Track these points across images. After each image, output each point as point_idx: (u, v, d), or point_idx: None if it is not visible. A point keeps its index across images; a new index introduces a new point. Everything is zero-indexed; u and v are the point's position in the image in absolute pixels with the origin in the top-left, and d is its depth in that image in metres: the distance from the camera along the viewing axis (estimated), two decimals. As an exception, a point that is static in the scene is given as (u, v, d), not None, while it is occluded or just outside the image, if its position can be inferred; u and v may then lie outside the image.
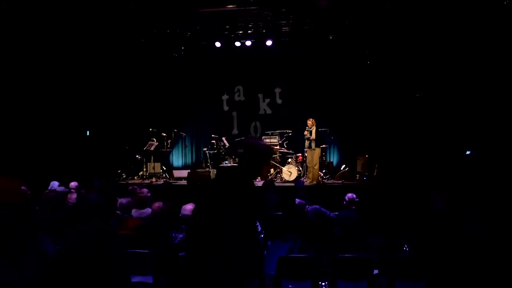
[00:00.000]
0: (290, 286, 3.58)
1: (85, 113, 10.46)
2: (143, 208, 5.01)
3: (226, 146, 11.24)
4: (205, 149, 11.37)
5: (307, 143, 9.39)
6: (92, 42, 9.74)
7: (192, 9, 9.62)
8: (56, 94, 9.45)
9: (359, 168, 10.60)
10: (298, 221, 4.44)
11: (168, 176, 10.86)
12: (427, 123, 9.44)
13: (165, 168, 11.34)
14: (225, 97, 12.76)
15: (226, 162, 10.90)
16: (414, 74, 9.85)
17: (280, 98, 12.48)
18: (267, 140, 11.19)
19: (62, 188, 6.26)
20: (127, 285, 2.80)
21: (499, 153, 8.02)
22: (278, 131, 11.07)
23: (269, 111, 12.53)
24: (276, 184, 8.04)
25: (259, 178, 10.33)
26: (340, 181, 9.80)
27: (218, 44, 11.23)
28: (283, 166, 9.89)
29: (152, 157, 10.86)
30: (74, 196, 5.54)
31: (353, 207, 5.04)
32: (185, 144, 12.69)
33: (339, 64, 11.69)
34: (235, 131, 12.56)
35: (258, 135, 12.22)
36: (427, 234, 3.72)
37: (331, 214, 4.97)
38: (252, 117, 12.58)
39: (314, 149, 9.18)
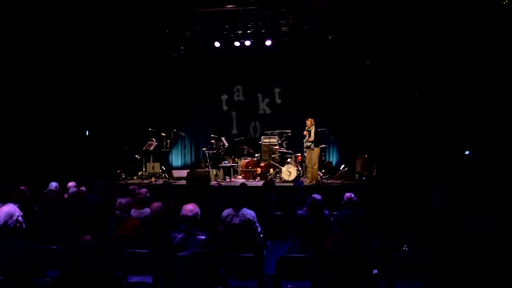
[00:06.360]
0: (289, 286, 3.58)
1: (84, 113, 10.44)
2: (142, 208, 5.02)
3: (226, 146, 11.24)
4: (204, 149, 11.36)
5: (306, 143, 9.40)
6: (91, 41, 9.73)
7: (191, 9, 9.62)
8: (55, 94, 9.43)
9: (358, 168, 10.61)
10: (297, 221, 4.45)
11: (167, 176, 10.86)
12: (426, 123, 9.44)
13: (164, 168, 11.33)
14: (224, 97, 12.76)
15: (226, 162, 10.90)
16: (413, 74, 9.85)
17: (279, 98, 12.49)
18: (266, 140, 11.22)
19: (55, 184, 6.26)
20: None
21: (499, 153, 8.03)
22: (278, 131, 11.08)
23: (268, 111, 12.53)
24: (276, 184, 8.03)
25: (258, 178, 10.37)
26: (339, 181, 9.81)
27: (217, 44, 11.24)
28: (283, 166, 9.89)
29: (151, 157, 10.86)
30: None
31: (352, 207, 5.04)
32: (184, 144, 12.68)
33: (339, 64, 11.70)
34: (234, 131, 12.56)
35: (257, 135, 12.22)
36: (426, 234, 3.72)
37: (327, 212, 4.95)
38: (251, 117, 12.58)
39: (313, 149, 9.17)
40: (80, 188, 6.20)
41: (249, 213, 4.68)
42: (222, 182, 9.80)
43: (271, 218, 5.03)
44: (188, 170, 10.37)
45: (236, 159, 11.27)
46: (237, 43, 11.23)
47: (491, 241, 3.47)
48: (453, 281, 3.15)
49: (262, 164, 10.80)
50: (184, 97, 12.61)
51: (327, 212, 4.93)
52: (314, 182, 9.11)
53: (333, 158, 11.97)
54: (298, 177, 9.53)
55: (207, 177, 9.24)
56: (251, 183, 9.64)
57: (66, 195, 5.85)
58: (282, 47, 11.46)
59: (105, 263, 2.59)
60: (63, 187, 6.42)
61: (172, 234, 3.48)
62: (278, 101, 12.50)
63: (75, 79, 9.90)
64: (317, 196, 4.66)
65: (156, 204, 4.11)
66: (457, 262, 3.23)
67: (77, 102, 10.07)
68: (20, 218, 3.11)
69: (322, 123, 10.14)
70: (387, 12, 9.17)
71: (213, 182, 9.21)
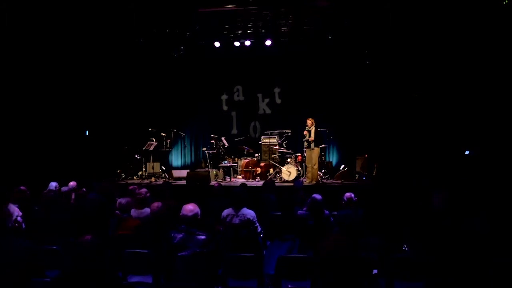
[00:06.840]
0: (289, 286, 3.58)
1: (84, 113, 10.44)
2: (143, 208, 5.02)
3: (225, 146, 11.24)
4: (204, 149, 11.36)
5: (306, 143, 9.40)
6: (91, 41, 9.73)
7: (191, 9, 9.62)
8: (55, 94, 9.43)
9: (358, 168, 10.60)
10: (297, 221, 4.44)
11: (167, 176, 10.85)
12: (426, 123, 9.44)
13: (164, 168, 11.33)
14: (224, 97, 12.75)
15: (226, 162, 10.90)
16: (413, 74, 9.85)
17: (279, 98, 12.48)
18: (266, 140, 11.21)
19: (55, 184, 6.27)
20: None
21: (499, 153, 8.03)
22: (277, 131, 11.07)
23: (268, 111, 12.52)
24: (276, 184, 8.02)
25: (258, 178, 10.37)
26: (339, 181, 9.81)
27: (217, 44, 11.25)
28: (283, 166, 9.89)
29: (151, 157, 10.86)
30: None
31: (352, 207, 5.04)
32: (184, 144, 12.68)
33: (338, 64, 11.70)
34: (234, 131, 12.56)
35: (257, 135, 12.22)
36: (426, 234, 3.72)
37: (327, 212, 4.95)
38: (251, 117, 12.58)
39: (313, 149, 9.17)
40: (80, 190, 6.21)
41: (249, 213, 4.68)
42: (222, 182, 9.80)
43: (271, 218, 5.03)
44: (188, 170, 10.36)
45: (236, 159, 11.26)
46: (237, 43, 11.23)
47: (491, 241, 3.47)
48: (453, 281, 3.15)
49: (262, 164, 10.80)
50: (184, 97, 12.61)
51: (327, 212, 4.93)
52: (314, 182, 9.11)
53: (333, 158, 11.97)
54: (298, 177, 9.53)
55: (207, 177, 9.23)
56: (251, 183, 9.64)
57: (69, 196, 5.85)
58: (282, 47, 11.46)
59: (105, 263, 2.59)
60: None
61: (172, 234, 3.48)
62: (278, 101, 12.49)
63: (75, 79, 9.90)
64: (317, 196, 4.66)
65: (156, 204, 4.11)
66: (457, 262, 3.23)
67: (77, 102, 10.07)
68: (19, 218, 3.12)
69: (322, 123, 10.13)
70: (387, 12, 9.17)
71: (213, 182, 9.20)
